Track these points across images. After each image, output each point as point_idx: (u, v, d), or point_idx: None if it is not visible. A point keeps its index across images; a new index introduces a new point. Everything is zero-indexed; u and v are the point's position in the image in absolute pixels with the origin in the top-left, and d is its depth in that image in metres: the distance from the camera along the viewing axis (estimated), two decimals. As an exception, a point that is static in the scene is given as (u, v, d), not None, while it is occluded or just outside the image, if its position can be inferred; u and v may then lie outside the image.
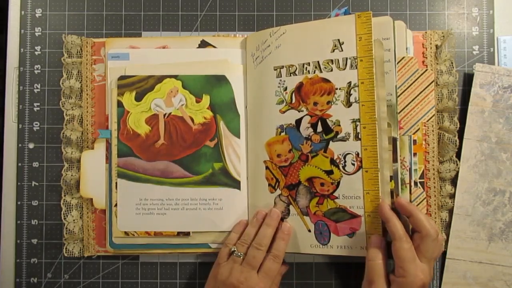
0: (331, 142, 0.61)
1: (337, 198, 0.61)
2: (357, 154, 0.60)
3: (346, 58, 0.60)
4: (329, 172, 0.61)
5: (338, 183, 0.61)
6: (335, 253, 0.61)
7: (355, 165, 0.60)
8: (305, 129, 0.62)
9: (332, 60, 0.61)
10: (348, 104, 0.60)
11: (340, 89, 0.61)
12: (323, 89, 0.62)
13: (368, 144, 0.59)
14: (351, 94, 0.60)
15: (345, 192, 0.60)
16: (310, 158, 0.62)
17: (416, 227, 0.55)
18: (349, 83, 0.60)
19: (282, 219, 0.63)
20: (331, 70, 0.61)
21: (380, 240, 0.57)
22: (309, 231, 0.62)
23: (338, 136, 0.61)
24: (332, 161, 0.61)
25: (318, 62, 0.62)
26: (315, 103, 0.62)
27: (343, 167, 0.60)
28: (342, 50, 0.61)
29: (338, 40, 0.61)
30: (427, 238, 0.54)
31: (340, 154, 0.61)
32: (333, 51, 0.61)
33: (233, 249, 0.61)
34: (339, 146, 0.61)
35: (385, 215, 0.56)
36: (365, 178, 0.59)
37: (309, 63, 0.62)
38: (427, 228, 0.54)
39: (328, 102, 0.61)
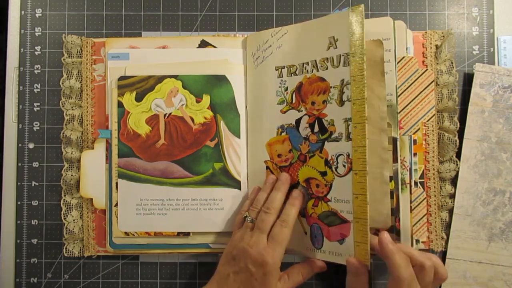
0: (326, 142, 0.60)
1: (329, 200, 0.59)
2: (348, 155, 0.57)
3: (340, 55, 0.59)
4: (324, 173, 0.60)
5: (331, 185, 0.59)
6: (327, 259, 0.60)
7: (346, 167, 0.58)
8: (304, 129, 0.62)
9: (327, 58, 0.60)
10: (341, 102, 0.58)
11: (334, 87, 0.59)
12: (319, 88, 0.61)
13: (358, 145, 0.56)
14: (344, 92, 0.58)
15: (336, 195, 0.59)
16: (308, 159, 0.61)
17: (390, 270, 0.54)
18: (342, 80, 0.58)
19: None
20: (326, 68, 0.60)
21: (359, 265, 0.55)
22: (305, 233, 0.62)
23: (332, 136, 0.59)
24: (326, 162, 0.60)
25: (315, 61, 0.61)
26: (313, 103, 0.61)
27: (335, 168, 0.59)
28: (336, 47, 0.59)
29: (333, 37, 0.60)
30: (401, 283, 0.53)
31: (333, 155, 0.59)
32: (329, 48, 0.60)
33: (245, 215, 0.60)
34: (333, 147, 0.59)
35: (384, 250, 0.54)
36: (354, 181, 0.57)
37: (308, 62, 0.62)
38: (400, 273, 0.53)
39: (324, 101, 0.60)
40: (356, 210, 0.56)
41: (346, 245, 0.57)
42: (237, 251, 0.57)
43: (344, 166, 0.58)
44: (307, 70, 0.62)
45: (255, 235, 0.58)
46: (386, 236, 0.55)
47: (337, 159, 0.59)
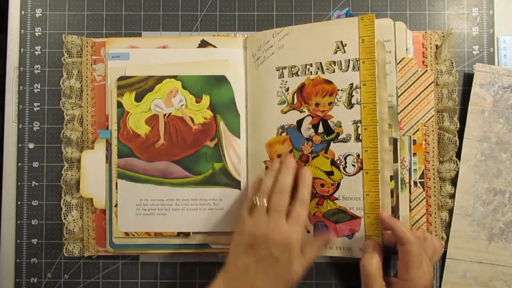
0: (332, 143, 0.61)
1: (337, 199, 0.61)
2: (358, 156, 0.60)
3: (349, 60, 0.60)
4: (330, 173, 0.61)
5: (338, 184, 0.61)
6: (334, 254, 0.61)
7: (356, 166, 0.60)
8: (306, 130, 0.62)
9: (334, 62, 0.61)
10: (350, 105, 0.60)
11: (342, 90, 0.61)
12: (325, 90, 0.62)
13: (369, 145, 0.59)
14: (353, 96, 0.60)
15: (345, 193, 0.60)
16: (311, 159, 0.62)
17: (399, 239, 0.55)
18: (351, 84, 0.60)
19: None
20: (333, 71, 0.61)
21: (374, 244, 0.57)
22: (308, 232, 0.62)
23: (339, 137, 0.61)
24: (333, 162, 0.61)
25: (320, 63, 0.62)
26: (317, 104, 0.62)
27: (344, 168, 0.60)
28: (344, 52, 0.61)
29: (341, 42, 0.61)
30: (411, 246, 0.54)
31: (340, 155, 0.61)
32: (336, 52, 0.61)
33: (255, 201, 0.57)
34: (340, 147, 0.61)
35: (388, 223, 0.56)
36: (365, 179, 0.59)
37: (311, 64, 0.62)
38: (408, 236, 0.54)
39: (330, 103, 0.61)
40: (367, 206, 0.59)
41: (357, 239, 0.60)
42: (255, 239, 0.55)
43: (354, 165, 0.60)
44: (311, 72, 0.62)
45: (273, 218, 0.55)
46: (384, 213, 0.58)
47: (345, 159, 0.60)
